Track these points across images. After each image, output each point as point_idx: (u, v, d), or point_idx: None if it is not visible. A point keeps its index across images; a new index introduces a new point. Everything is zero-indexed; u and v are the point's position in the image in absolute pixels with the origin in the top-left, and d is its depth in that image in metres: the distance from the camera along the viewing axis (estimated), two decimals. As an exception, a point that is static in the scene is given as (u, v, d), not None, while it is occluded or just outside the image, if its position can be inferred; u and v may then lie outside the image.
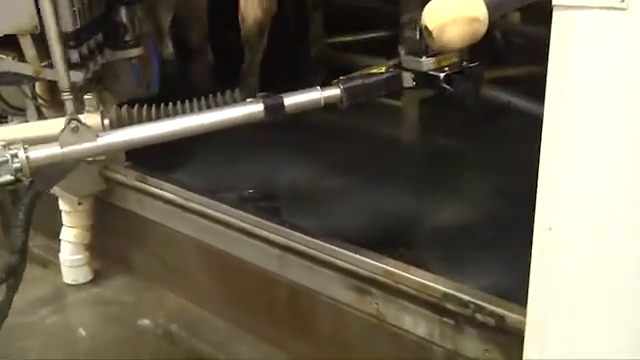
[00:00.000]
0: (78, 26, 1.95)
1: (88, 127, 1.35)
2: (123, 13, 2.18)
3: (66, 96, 1.91)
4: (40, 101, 2.17)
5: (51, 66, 1.92)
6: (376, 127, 2.46)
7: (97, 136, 1.36)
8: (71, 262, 2.37)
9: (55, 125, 1.38)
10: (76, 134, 1.33)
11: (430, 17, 1.23)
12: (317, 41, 2.97)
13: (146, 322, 2.18)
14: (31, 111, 2.24)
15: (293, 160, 2.35)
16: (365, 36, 2.73)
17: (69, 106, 1.90)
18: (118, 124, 1.43)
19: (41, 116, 2.19)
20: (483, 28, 1.22)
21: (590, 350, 1.27)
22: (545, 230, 1.28)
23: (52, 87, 2.08)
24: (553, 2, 1.08)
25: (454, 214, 2.02)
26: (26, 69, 1.95)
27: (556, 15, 1.09)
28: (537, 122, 1.16)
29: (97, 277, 2.41)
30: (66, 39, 1.91)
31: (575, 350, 1.28)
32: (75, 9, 1.92)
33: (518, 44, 2.35)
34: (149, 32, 2.29)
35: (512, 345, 1.49)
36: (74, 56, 1.95)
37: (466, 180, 2.08)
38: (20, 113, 2.29)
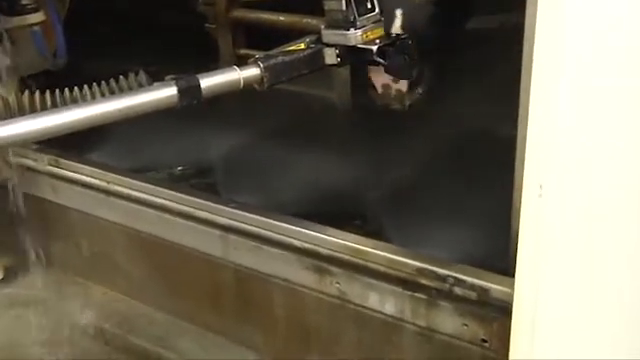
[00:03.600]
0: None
1: None
2: (16, -27, 1.91)
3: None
4: None
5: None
6: (307, 88, 2.28)
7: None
8: (-26, 263, 2.10)
9: None
10: None
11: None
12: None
13: (74, 322, 1.95)
14: None
15: (223, 129, 2.15)
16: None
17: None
18: (6, 114, 1.19)
19: None
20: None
21: (585, 322, 1.17)
22: (535, 189, 1.16)
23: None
24: None
25: (405, 178, 1.88)
26: None
27: None
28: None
29: (8, 276, 2.15)
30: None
31: (568, 322, 1.17)
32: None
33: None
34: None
35: (494, 317, 1.39)
36: (-38, 25, 1.71)
37: (413, 140, 1.93)
38: None
